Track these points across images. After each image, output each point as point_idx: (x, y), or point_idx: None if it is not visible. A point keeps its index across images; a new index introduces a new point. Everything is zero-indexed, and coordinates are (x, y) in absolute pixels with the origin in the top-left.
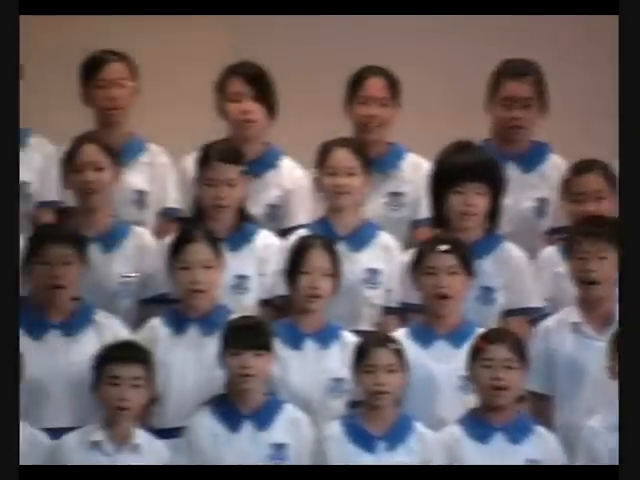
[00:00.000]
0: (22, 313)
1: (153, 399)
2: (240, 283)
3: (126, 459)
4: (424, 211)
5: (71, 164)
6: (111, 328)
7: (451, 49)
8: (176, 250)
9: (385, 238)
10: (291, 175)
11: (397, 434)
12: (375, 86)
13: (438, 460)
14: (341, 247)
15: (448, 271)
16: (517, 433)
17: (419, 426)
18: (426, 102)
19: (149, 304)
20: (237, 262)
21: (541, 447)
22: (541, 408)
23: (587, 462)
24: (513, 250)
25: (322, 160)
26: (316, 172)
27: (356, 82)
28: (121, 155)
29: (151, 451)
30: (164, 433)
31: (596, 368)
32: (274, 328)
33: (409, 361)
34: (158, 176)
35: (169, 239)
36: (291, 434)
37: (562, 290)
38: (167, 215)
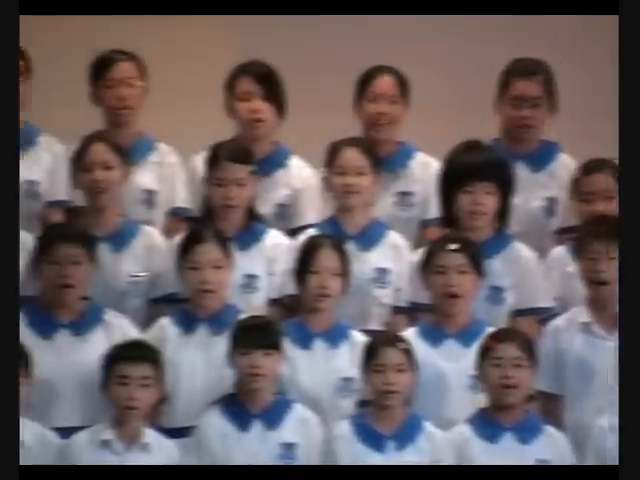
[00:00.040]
0: (31, 313)
1: (162, 398)
2: (249, 282)
3: (135, 458)
4: (433, 211)
5: (80, 163)
6: (120, 328)
7: (451, 49)
8: (185, 250)
9: (394, 237)
10: (300, 174)
11: (406, 434)
12: (385, 83)
13: (447, 460)
14: (350, 246)
15: (458, 270)
16: (527, 433)
17: (428, 425)
18: (426, 102)
19: (158, 303)
20: (246, 261)
21: (551, 447)
22: (551, 408)
23: (597, 462)
24: (523, 250)
25: (331, 159)
26: (325, 171)
27: (365, 80)
28: (130, 154)
29: (160, 450)
30: (173, 432)
31: (606, 368)
32: (283, 327)
33: (419, 360)
34: (167, 175)
35: (178, 238)
36: (300, 433)
37: (571, 290)
38: (176, 215)
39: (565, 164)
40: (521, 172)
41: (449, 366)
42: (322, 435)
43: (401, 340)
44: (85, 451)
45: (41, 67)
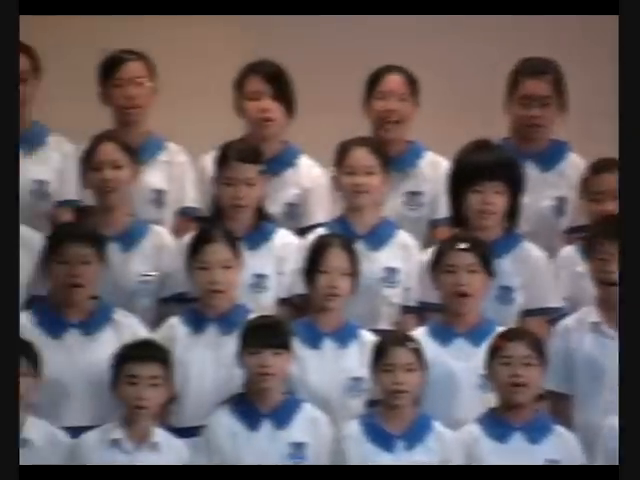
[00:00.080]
0: (41, 312)
1: (172, 398)
2: (259, 282)
3: (145, 457)
4: (443, 210)
5: (90, 163)
6: (130, 327)
7: (451, 49)
8: (195, 250)
9: (404, 237)
10: (309, 174)
11: (416, 433)
12: (394, 81)
13: (457, 460)
14: (360, 246)
15: (468, 269)
16: (536, 433)
17: (438, 425)
18: (426, 102)
19: (168, 303)
20: (256, 261)
21: (561, 447)
22: (560, 408)
23: (606, 462)
24: (532, 249)
25: (341, 159)
26: (335, 171)
27: (374, 79)
28: (140, 154)
29: (170, 450)
30: (183, 432)
31: (615, 368)
32: (293, 327)
33: (428, 360)
34: (177, 175)
35: (188, 238)
36: (310, 433)
37: (581, 289)
38: (185, 214)
39: (575, 164)
40: (531, 171)
41: (459, 365)
42: (331, 435)
43: (410, 339)
44: (95, 450)
45: (46, 66)
